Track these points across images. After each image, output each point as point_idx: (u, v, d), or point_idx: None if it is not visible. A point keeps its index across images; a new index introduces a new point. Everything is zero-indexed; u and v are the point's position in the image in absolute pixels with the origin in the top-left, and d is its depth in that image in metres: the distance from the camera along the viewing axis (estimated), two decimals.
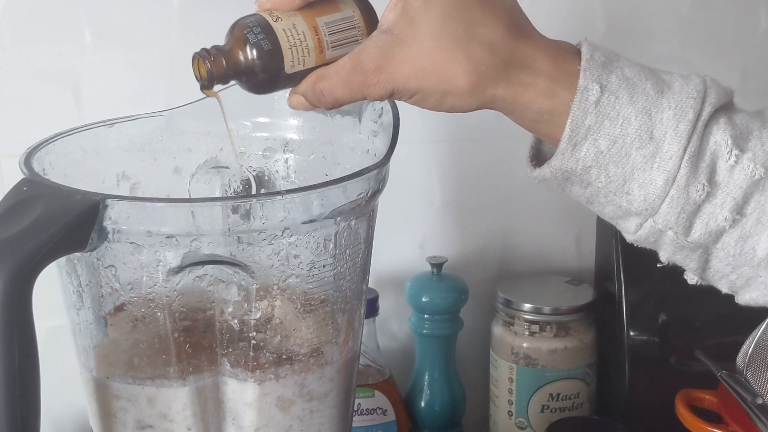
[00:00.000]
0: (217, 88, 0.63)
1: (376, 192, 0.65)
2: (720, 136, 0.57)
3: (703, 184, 0.56)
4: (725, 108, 0.58)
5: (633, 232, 0.60)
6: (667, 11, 1.05)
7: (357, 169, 0.63)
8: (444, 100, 0.58)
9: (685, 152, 0.56)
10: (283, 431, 0.66)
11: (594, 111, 0.56)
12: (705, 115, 0.57)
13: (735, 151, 0.57)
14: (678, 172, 0.56)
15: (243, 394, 0.64)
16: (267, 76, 0.60)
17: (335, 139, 0.74)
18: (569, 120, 0.57)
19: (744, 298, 0.61)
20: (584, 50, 0.58)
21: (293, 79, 0.61)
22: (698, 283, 0.62)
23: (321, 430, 0.67)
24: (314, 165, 0.75)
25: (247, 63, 0.60)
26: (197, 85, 0.63)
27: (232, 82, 0.63)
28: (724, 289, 0.62)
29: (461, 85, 0.57)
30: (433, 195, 1.08)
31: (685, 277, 0.62)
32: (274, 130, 0.76)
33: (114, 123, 0.72)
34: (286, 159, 0.76)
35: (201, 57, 0.61)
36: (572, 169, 0.58)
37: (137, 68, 0.98)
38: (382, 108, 0.68)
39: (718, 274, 0.61)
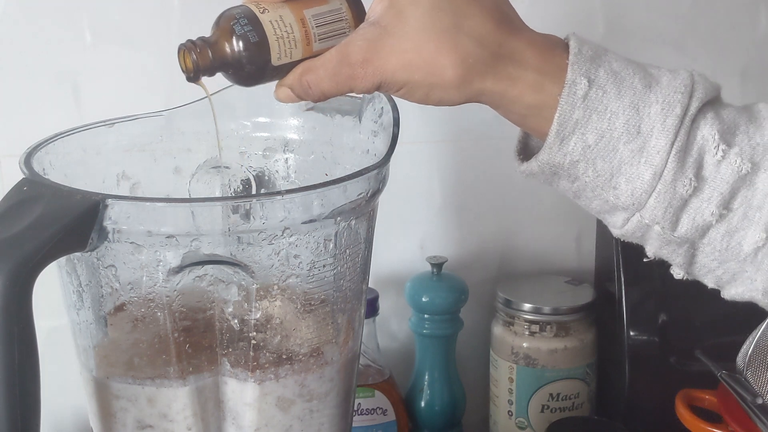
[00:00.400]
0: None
1: (376, 192, 0.65)
2: (707, 131, 0.57)
3: (690, 179, 0.56)
4: (712, 103, 0.58)
5: (620, 226, 0.60)
6: (667, 11, 1.05)
7: (357, 169, 0.63)
8: (431, 93, 0.58)
9: (672, 147, 0.56)
10: (283, 431, 0.66)
11: (582, 105, 0.56)
12: (692, 109, 0.57)
13: (722, 146, 0.56)
14: (665, 166, 0.56)
15: (243, 394, 0.64)
16: (254, 68, 0.60)
17: (335, 139, 0.74)
18: (557, 114, 0.56)
19: (730, 293, 0.61)
20: (572, 44, 0.58)
21: (280, 72, 0.61)
22: (684, 278, 0.62)
23: (321, 430, 0.67)
24: (314, 165, 0.75)
25: (234, 55, 0.59)
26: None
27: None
28: (711, 284, 0.61)
29: (449, 78, 0.57)
30: (433, 195, 1.08)
31: (672, 271, 0.62)
32: (274, 130, 0.76)
33: (114, 123, 0.72)
34: (286, 159, 0.76)
35: (187, 48, 0.60)
36: (560, 164, 0.58)
37: (137, 68, 0.99)
38: (382, 108, 0.68)
39: (704, 269, 0.61)
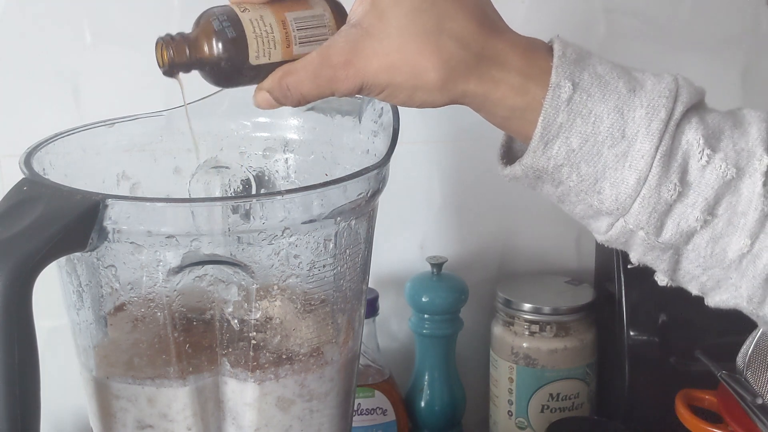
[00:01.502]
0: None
1: (376, 192, 0.65)
2: (692, 136, 0.56)
3: (675, 184, 0.56)
4: (697, 107, 0.58)
5: (604, 232, 0.59)
6: (667, 12, 1.05)
7: (357, 169, 0.63)
8: (414, 95, 0.57)
9: (657, 151, 0.55)
10: (283, 431, 0.66)
11: (566, 109, 0.56)
12: (677, 114, 0.56)
13: (707, 151, 0.56)
14: (650, 171, 0.56)
15: (243, 394, 0.64)
16: (230, 65, 0.59)
17: (335, 139, 0.74)
18: (541, 118, 0.56)
19: (714, 300, 0.60)
20: (556, 47, 0.57)
21: (258, 74, 0.60)
22: (668, 285, 0.61)
23: (321, 430, 0.67)
24: (314, 165, 0.75)
25: (211, 51, 0.59)
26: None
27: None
28: (695, 290, 0.61)
29: (431, 80, 0.56)
30: (433, 195, 1.08)
31: (656, 278, 0.61)
32: (274, 130, 0.76)
33: (114, 123, 0.72)
34: (286, 159, 0.76)
35: (164, 42, 0.59)
36: (543, 168, 0.57)
37: (137, 68, 0.98)
38: (382, 108, 0.68)
39: (688, 276, 0.60)
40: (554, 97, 0.56)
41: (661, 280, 0.61)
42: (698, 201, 0.56)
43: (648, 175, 0.56)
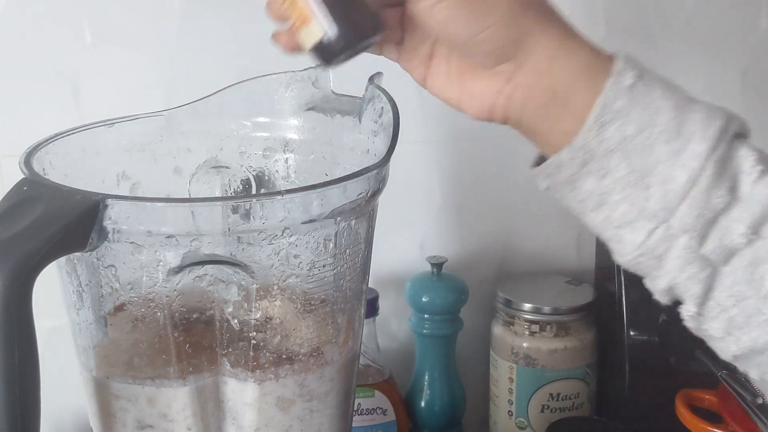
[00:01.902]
0: None
1: (376, 192, 0.65)
2: (744, 152, 0.56)
3: (725, 192, 0.55)
4: (746, 138, 0.58)
5: (640, 242, 0.57)
6: (668, 11, 1.05)
7: (357, 169, 0.63)
8: (485, 17, 0.56)
9: (712, 153, 0.55)
10: (283, 431, 0.66)
11: (627, 95, 0.56)
12: (732, 128, 0.56)
13: (759, 167, 0.56)
14: (702, 173, 0.55)
15: (243, 394, 0.64)
16: None
17: (335, 139, 0.74)
18: (600, 98, 0.56)
19: (740, 342, 0.58)
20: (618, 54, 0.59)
21: None
22: (693, 319, 0.59)
23: (321, 430, 0.67)
24: (314, 165, 0.75)
25: None
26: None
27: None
28: (720, 330, 0.58)
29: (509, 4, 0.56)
30: (433, 195, 1.08)
31: (681, 311, 0.59)
32: (274, 130, 0.76)
33: (114, 123, 0.72)
34: (286, 159, 0.76)
35: None
36: (594, 151, 0.57)
37: (137, 68, 0.99)
38: (382, 108, 0.68)
39: (718, 308, 0.58)
40: (616, 83, 0.56)
41: (689, 311, 0.59)
42: (744, 215, 0.55)
43: (699, 176, 0.55)
